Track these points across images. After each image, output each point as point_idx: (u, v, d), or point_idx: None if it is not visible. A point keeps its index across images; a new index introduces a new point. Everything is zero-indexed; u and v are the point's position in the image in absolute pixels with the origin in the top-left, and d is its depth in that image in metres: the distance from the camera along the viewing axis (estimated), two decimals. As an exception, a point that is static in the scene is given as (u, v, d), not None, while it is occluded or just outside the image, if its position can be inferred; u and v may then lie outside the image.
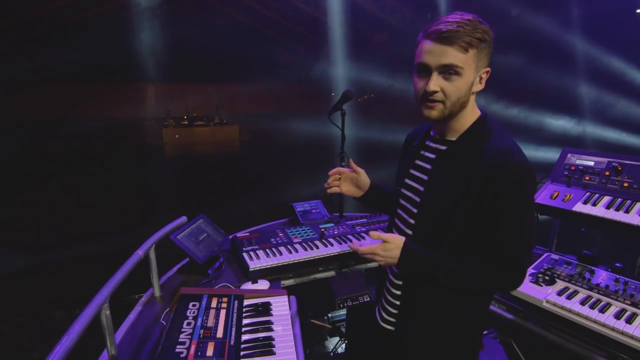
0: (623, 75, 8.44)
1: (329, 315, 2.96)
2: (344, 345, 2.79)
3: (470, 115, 1.25)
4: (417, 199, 1.31)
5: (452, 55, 1.12)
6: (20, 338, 3.30)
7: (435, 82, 1.15)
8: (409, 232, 1.34)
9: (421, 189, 1.31)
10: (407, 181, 1.38)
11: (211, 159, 11.63)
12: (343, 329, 2.85)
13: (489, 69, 1.20)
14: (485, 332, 2.95)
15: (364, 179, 1.60)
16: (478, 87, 1.21)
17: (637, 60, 8.28)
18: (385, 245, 1.22)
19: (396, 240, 1.23)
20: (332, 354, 2.80)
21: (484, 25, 1.16)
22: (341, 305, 2.82)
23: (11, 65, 10.33)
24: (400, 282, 1.37)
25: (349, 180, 1.61)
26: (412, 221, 1.33)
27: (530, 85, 9.14)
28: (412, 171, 1.37)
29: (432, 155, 1.32)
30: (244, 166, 10.14)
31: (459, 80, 1.15)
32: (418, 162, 1.37)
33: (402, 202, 1.39)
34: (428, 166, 1.32)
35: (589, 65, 8.74)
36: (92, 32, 11.48)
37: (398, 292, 1.38)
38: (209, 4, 13.17)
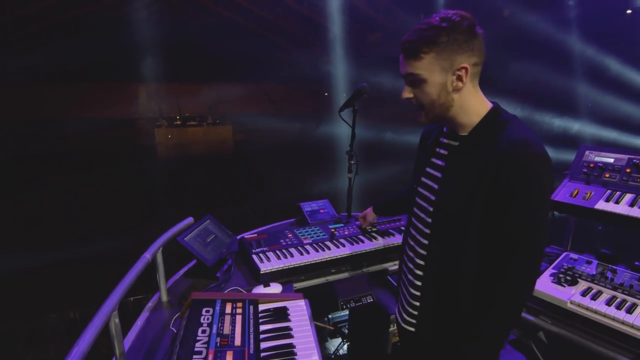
0: (619, 75, 8.51)
1: (329, 316, 2.89)
2: (346, 347, 2.72)
3: (477, 109, 1.20)
4: (433, 197, 1.28)
5: (410, 64, 1.15)
6: (13, 342, 3.18)
7: (406, 91, 1.21)
8: (427, 230, 1.29)
9: (436, 187, 1.28)
10: (424, 180, 1.34)
11: (204, 158, 11.50)
12: (345, 330, 2.78)
13: (464, 65, 1.12)
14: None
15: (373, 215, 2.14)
16: (458, 84, 1.15)
17: (633, 61, 8.33)
18: None
19: None
20: (333, 356, 2.73)
21: (442, 25, 1.11)
22: (344, 307, 2.75)
23: (0, 65, 10.10)
24: (419, 283, 1.32)
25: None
26: (429, 220, 1.29)
27: (528, 85, 9.16)
28: (428, 169, 1.33)
29: (445, 152, 1.29)
30: (238, 166, 10.04)
31: (426, 85, 1.15)
32: (433, 159, 1.33)
33: (419, 200, 1.35)
34: (442, 163, 1.28)
35: (587, 66, 8.79)
36: (83, 32, 11.28)
37: (417, 293, 1.34)
38: (202, 3, 13.03)
